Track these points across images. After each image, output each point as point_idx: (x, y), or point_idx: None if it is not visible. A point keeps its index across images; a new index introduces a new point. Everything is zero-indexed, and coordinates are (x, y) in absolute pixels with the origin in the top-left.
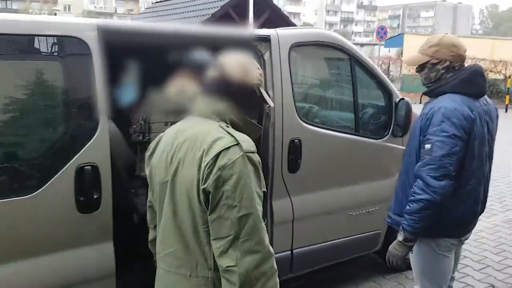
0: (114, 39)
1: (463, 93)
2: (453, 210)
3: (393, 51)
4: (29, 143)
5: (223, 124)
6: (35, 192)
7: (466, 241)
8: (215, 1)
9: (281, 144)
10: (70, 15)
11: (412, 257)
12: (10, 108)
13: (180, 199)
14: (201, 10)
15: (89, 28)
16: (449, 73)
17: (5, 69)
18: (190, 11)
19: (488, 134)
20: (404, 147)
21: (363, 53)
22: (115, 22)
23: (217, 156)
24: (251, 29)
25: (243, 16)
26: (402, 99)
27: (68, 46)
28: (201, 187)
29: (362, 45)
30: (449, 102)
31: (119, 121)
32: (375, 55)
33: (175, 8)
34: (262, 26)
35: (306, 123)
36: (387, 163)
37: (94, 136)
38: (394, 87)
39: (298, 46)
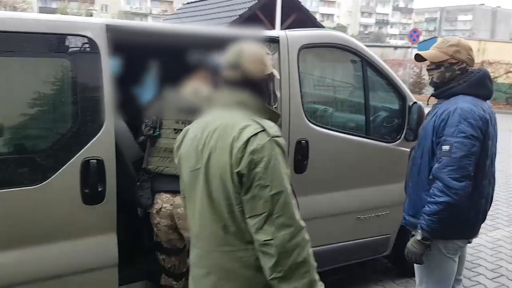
0: (122, 38)
1: (474, 94)
2: (467, 211)
3: None
4: (38, 136)
5: (248, 113)
6: (43, 183)
7: (481, 249)
8: (243, 2)
9: (288, 145)
10: (107, 15)
11: None
12: (21, 102)
13: (215, 183)
14: (229, 11)
15: (98, 27)
16: (462, 75)
17: (17, 66)
18: (219, 12)
19: (495, 135)
20: None
21: (376, 55)
22: (123, 22)
23: (246, 142)
24: (260, 30)
25: (270, 18)
26: (415, 102)
27: (78, 44)
28: (235, 170)
29: (395, 47)
30: (464, 103)
31: (129, 118)
32: (408, 58)
33: (204, 10)
34: (289, 27)
35: (314, 124)
36: (399, 167)
37: (100, 131)
38: (409, 90)
39: (308, 47)
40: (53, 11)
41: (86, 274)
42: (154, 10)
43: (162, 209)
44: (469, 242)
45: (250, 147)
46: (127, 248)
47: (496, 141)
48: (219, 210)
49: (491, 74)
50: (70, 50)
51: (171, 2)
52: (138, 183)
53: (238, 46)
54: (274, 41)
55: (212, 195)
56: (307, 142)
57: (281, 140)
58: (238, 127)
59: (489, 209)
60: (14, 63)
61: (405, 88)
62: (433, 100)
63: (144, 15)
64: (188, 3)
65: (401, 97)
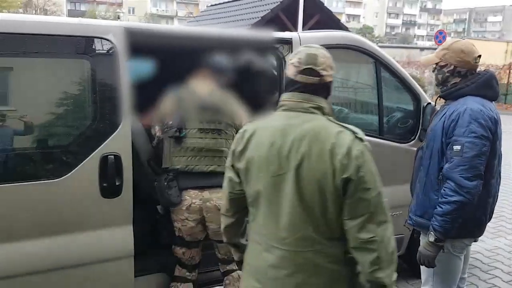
0: (139, 40)
1: (482, 95)
2: (476, 210)
3: None
4: (60, 133)
5: (328, 117)
6: (64, 176)
7: (499, 252)
8: (265, 4)
9: None
10: (134, 18)
11: None
12: (45, 101)
13: (309, 187)
14: (251, 13)
15: (116, 30)
16: (455, 78)
17: (42, 66)
18: (241, 14)
19: (501, 135)
20: None
21: (390, 57)
22: (141, 24)
23: (349, 148)
24: (272, 32)
25: (293, 19)
26: (429, 103)
27: (98, 46)
28: (342, 176)
29: (421, 49)
30: (474, 103)
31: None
32: None
33: (227, 12)
34: (312, 28)
35: None
36: (412, 167)
37: (118, 129)
38: (423, 92)
39: None
40: (81, 13)
41: (104, 264)
42: (180, 12)
43: (192, 205)
44: (475, 241)
45: (354, 153)
46: (141, 241)
47: (501, 142)
48: (312, 213)
49: None
50: (90, 51)
51: (197, 4)
52: (166, 183)
53: (308, 49)
54: (287, 42)
55: (305, 198)
56: None
57: (367, 144)
58: (333, 133)
59: (494, 208)
60: (40, 64)
61: (419, 89)
62: (441, 101)
63: (170, 17)
64: (212, 5)
65: (415, 98)
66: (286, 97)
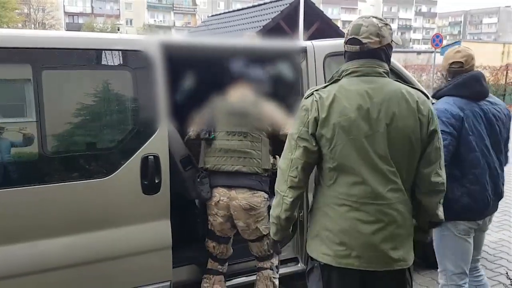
0: (173, 52)
1: (456, 95)
2: (460, 196)
3: None
4: (105, 137)
5: (395, 79)
6: (109, 176)
7: (504, 244)
8: (266, 14)
9: None
10: (132, 29)
11: (435, 241)
12: (90, 110)
13: (399, 142)
14: (253, 22)
15: (152, 43)
16: (445, 80)
17: (90, 78)
18: (243, 24)
19: (489, 130)
20: None
21: (395, 61)
22: (175, 38)
23: (429, 105)
24: (291, 42)
25: (293, 27)
26: (432, 103)
27: (136, 59)
28: (430, 128)
29: (418, 52)
30: (442, 104)
31: (180, 122)
32: (431, 63)
33: (228, 21)
34: (312, 36)
35: None
36: None
37: (156, 132)
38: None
39: (332, 55)
40: (79, 26)
41: (146, 255)
42: (177, 22)
43: (220, 201)
44: (482, 228)
45: (432, 109)
46: (176, 235)
47: (499, 137)
48: (400, 166)
49: None
50: (130, 63)
51: (194, 14)
52: (198, 179)
53: (357, 21)
54: (302, 50)
55: (395, 153)
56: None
57: None
58: (413, 93)
59: (497, 196)
60: (86, 76)
61: (425, 91)
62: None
63: (168, 28)
64: (212, 15)
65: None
66: (356, 64)
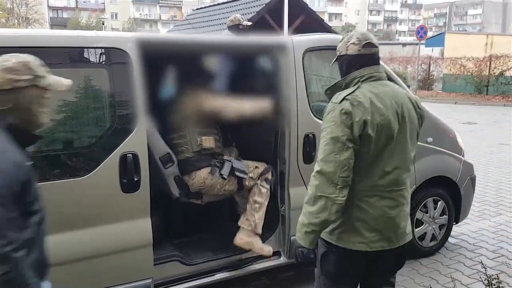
0: (150, 49)
1: None
2: None
3: (436, 51)
4: (82, 135)
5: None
6: (88, 175)
7: (483, 233)
8: (251, 7)
9: (297, 138)
10: (117, 23)
11: None
12: (67, 108)
13: (411, 134)
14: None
15: (129, 40)
16: None
17: (66, 76)
18: (227, 18)
19: None
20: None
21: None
22: (151, 35)
23: (419, 101)
24: (269, 37)
25: (278, 20)
26: None
27: (113, 56)
28: (420, 119)
29: (403, 44)
30: None
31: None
32: (416, 54)
33: (213, 15)
34: (297, 29)
35: (320, 119)
36: None
37: (134, 130)
38: (405, 86)
39: (311, 51)
40: (64, 21)
41: (126, 253)
42: (163, 16)
43: None
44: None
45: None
46: (157, 232)
47: None
48: (410, 154)
49: (499, 68)
50: (107, 61)
51: (180, 7)
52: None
53: (354, 32)
54: (281, 46)
55: (410, 145)
56: (314, 135)
57: None
58: (410, 95)
59: None
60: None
61: (402, 84)
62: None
63: (154, 21)
64: (197, 8)
65: None
66: (372, 70)
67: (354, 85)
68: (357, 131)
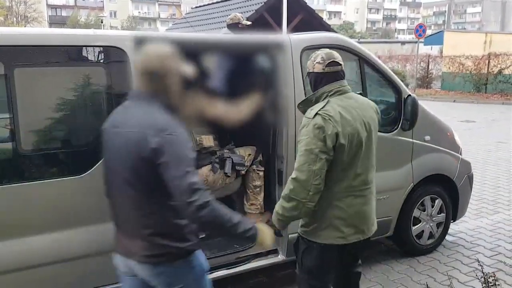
0: None
1: None
2: None
3: (435, 49)
4: (80, 134)
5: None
6: (86, 173)
7: (481, 231)
8: (249, 5)
9: (294, 136)
10: (116, 21)
11: None
12: (65, 106)
13: (374, 139)
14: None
15: (127, 39)
16: None
17: (64, 75)
18: (226, 16)
19: None
20: (413, 140)
21: (372, 54)
22: (149, 33)
23: (378, 111)
24: (267, 36)
25: (277, 19)
26: (409, 95)
27: (111, 55)
28: (377, 129)
29: (402, 43)
30: None
31: None
32: (415, 53)
33: (212, 13)
34: (296, 27)
35: None
36: (397, 155)
37: None
38: (403, 84)
39: (309, 49)
40: (63, 19)
41: None
42: (162, 14)
43: None
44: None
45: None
46: None
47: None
48: (373, 163)
49: (498, 66)
50: (105, 59)
51: (179, 5)
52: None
53: (324, 50)
54: (278, 44)
55: (371, 152)
56: None
57: None
58: (371, 102)
59: None
60: (60, 73)
61: (400, 82)
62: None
63: (153, 20)
64: (196, 7)
65: (397, 90)
66: (337, 85)
67: (323, 99)
68: (330, 142)
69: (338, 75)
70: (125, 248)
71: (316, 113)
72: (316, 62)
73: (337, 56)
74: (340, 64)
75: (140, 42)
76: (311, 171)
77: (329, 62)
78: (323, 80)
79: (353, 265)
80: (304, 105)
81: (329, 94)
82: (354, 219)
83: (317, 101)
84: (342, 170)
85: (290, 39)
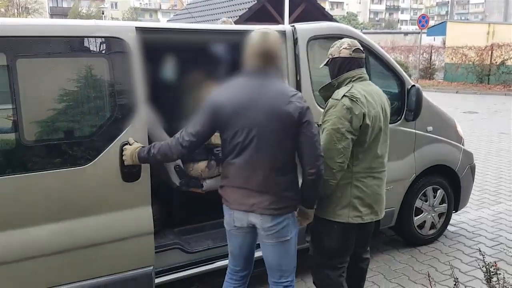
0: (150, 38)
1: None
2: None
3: (438, 40)
4: (83, 125)
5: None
6: (89, 164)
7: (483, 221)
8: None
9: None
10: (117, 12)
11: None
12: (67, 97)
13: (388, 126)
14: (238, 4)
15: (128, 30)
16: None
17: (66, 66)
18: (228, 6)
19: None
20: (415, 131)
21: (375, 44)
22: (150, 24)
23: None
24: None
25: (279, 9)
26: (414, 85)
27: (113, 45)
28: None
29: (405, 33)
30: None
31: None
32: (418, 43)
33: (213, 3)
34: (297, 18)
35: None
36: (399, 145)
37: (135, 119)
38: (406, 75)
39: (315, 39)
40: (63, 10)
41: (127, 241)
42: (163, 5)
43: None
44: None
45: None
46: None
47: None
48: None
49: (501, 57)
50: (107, 50)
51: None
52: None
53: (345, 39)
54: (281, 35)
55: (386, 135)
56: (318, 124)
57: None
58: (382, 93)
59: None
60: (62, 63)
61: (403, 73)
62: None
63: (154, 11)
64: None
65: (400, 81)
66: (360, 72)
67: (346, 84)
68: (358, 122)
69: (361, 62)
70: (249, 204)
71: (344, 95)
72: (343, 48)
73: (359, 44)
74: (363, 52)
75: (142, 33)
76: (336, 149)
77: (355, 49)
78: (348, 66)
79: (363, 250)
80: (326, 90)
81: (352, 79)
82: (371, 199)
83: (339, 87)
84: (364, 151)
85: (295, 29)
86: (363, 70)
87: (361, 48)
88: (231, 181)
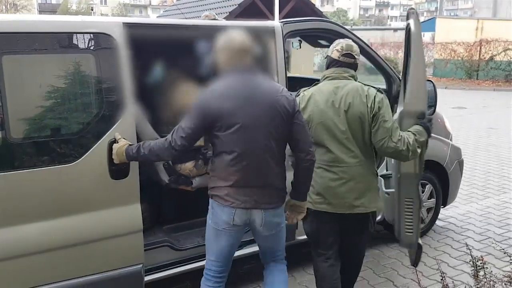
0: (138, 34)
1: None
2: None
3: (428, 35)
4: (70, 122)
5: (358, 81)
6: (76, 161)
7: (471, 216)
8: None
9: None
10: (106, 9)
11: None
12: (54, 94)
13: (354, 122)
14: (228, 0)
15: (116, 25)
16: None
17: (53, 62)
18: (218, 2)
19: None
20: None
21: (363, 39)
22: (137, 19)
23: (374, 97)
24: (258, 22)
25: (269, 5)
26: (429, 81)
27: (99, 41)
28: (371, 114)
29: (395, 30)
30: None
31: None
32: None
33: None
34: (287, 14)
35: None
36: None
37: (122, 116)
38: (394, 70)
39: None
40: (52, 7)
41: (117, 239)
42: (153, 1)
43: None
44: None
45: (377, 100)
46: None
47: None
48: (356, 139)
49: (489, 53)
50: (94, 46)
51: None
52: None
53: (346, 41)
54: (270, 30)
55: (352, 130)
56: None
57: (385, 95)
58: (365, 89)
59: None
60: (48, 60)
61: (391, 69)
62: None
63: (144, 7)
64: None
65: (387, 76)
66: (331, 71)
67: (322, 81)
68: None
69: (351, 66)
70: (251, 201)
71: (299, 92)
72: (335, 49)
73: (355, 49)
74: (355, 58)
75: (130, 28)
76: None
77: (346, 53)
78: (331, 65)
79: (347, 240)
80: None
81: (327, 78)
82: (321, 189)
83: (316, 84)
84: (314, 143)
85: (281, 26)
86: (340, 69)
87: (354, 54)
88: (230, 180)
